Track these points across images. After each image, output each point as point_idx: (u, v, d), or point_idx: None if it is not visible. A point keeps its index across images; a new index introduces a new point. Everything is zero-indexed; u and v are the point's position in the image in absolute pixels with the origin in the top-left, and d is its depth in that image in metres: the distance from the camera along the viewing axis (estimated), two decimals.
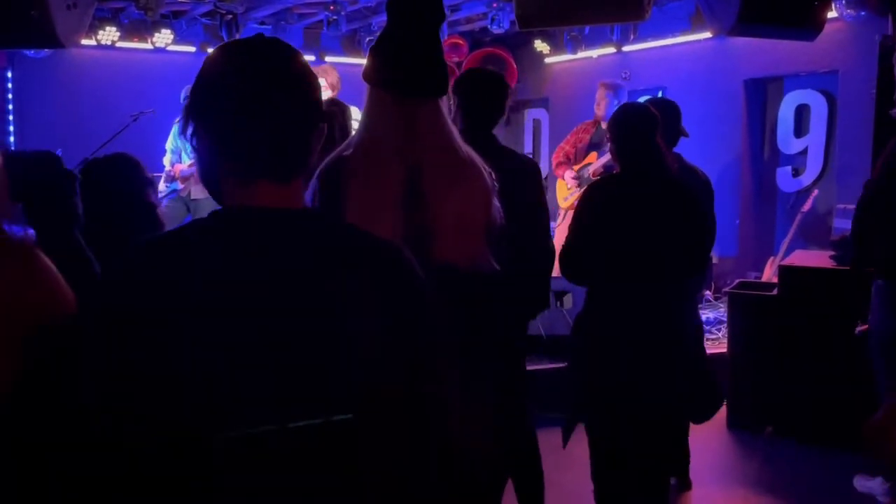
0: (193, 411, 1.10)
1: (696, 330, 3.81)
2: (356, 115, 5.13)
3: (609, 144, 3.33)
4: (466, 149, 2.28)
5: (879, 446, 2.22)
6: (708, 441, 4.75)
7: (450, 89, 3.22)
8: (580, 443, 3.32)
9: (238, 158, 1.24)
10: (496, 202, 2.29)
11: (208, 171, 1.28)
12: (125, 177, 2.79)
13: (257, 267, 1.17)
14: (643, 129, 3.16)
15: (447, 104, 2.32)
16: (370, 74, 2.24)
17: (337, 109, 3.55)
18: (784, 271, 4.95)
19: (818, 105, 6.99)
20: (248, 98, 1.21)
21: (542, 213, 3.16)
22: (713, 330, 6.12)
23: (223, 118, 1.23)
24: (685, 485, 4.18)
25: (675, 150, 4.05)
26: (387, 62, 2.22)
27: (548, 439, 3.36)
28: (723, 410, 5.14)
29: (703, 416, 3.55)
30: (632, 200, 3.13)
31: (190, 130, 1.27)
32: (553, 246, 3.20)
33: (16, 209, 1.76)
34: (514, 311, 3.12)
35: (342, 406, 1.16)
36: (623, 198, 3.16)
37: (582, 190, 5.89)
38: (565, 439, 3.25)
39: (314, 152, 1.29)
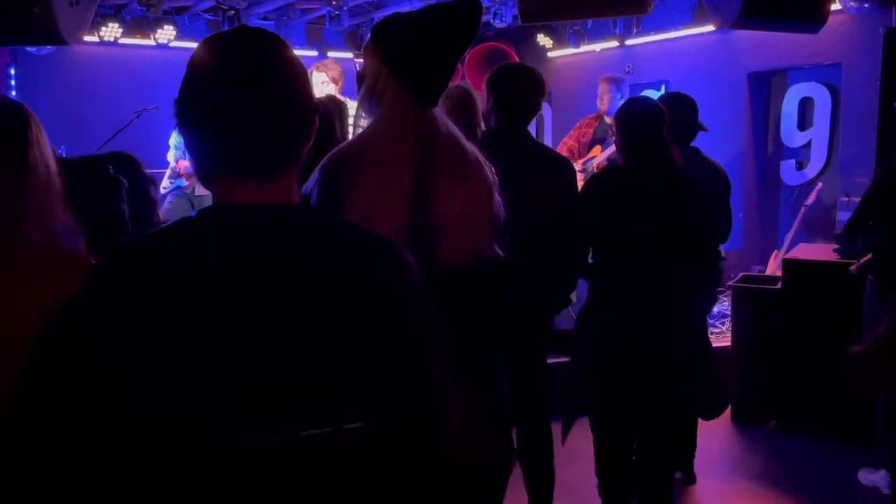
0: (190, 416, 1.10)
1: (702, 325, 3.79)
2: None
3: (614, 137, 3.32)
4: (470, 146, 2.29)
5: (870, 376, 2.13)
6: (712, 435, 4.75)
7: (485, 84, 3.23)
8: (586, 437, 3.32)
9: (217, 156, 1.22)
10: (497, 197, 2.29)
11: (198, 168, 1.26)
12: (93, 178, 2.78)
13: (242, 264, 1.15)
14: (649, 123, 3.15)
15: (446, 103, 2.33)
16: (397, 66, 2.21)
17: (333, 106, 3.54)
18: (788, 265, 4.95)
19: (822, 98, 6.97)
20: (222, 94, 1.18)
21: (571, 210, 3.14)
22: (717, 324, 6.11)
23: (200, 115, 1.21)
24: (689, 478, 4.18)
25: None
26: (421, 70, 2.21)
27: (553, 434, 3.36)
28: None
29: (711, 413, 3.54)
30: (632, 190, 3.12)
31: (179, 126, 1.24)
32: (580, 243, 3.20)
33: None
34: (536, 307, 3.12)
35: (336, 407, 1.15)
36: (624, 188, 3.15)
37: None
38: (565, 435, 3.26)
39: (302, 146, 1.25)
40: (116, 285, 1.15)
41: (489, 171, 2.30)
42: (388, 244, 1.28)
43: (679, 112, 3.92)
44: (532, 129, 10.81)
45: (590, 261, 3.26)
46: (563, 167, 3.20)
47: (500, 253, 2.29)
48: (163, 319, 1.11)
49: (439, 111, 2.27)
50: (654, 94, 7.88)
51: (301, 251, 1.19)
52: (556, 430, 3.35)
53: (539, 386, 3.25)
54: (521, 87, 3.16)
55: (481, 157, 2.30)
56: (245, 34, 1.25)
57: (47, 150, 1.61)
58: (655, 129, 3.14)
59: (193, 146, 1.24)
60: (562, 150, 6.41)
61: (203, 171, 1.25)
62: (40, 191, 1.57)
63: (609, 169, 3.44)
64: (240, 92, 1.18)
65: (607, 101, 6.11)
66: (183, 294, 1.12)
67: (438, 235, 2.13)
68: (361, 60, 2.42)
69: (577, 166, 6.26)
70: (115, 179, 2.45)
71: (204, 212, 1.22)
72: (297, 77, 1.24)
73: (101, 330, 1.12)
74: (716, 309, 6.35)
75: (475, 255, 2.22)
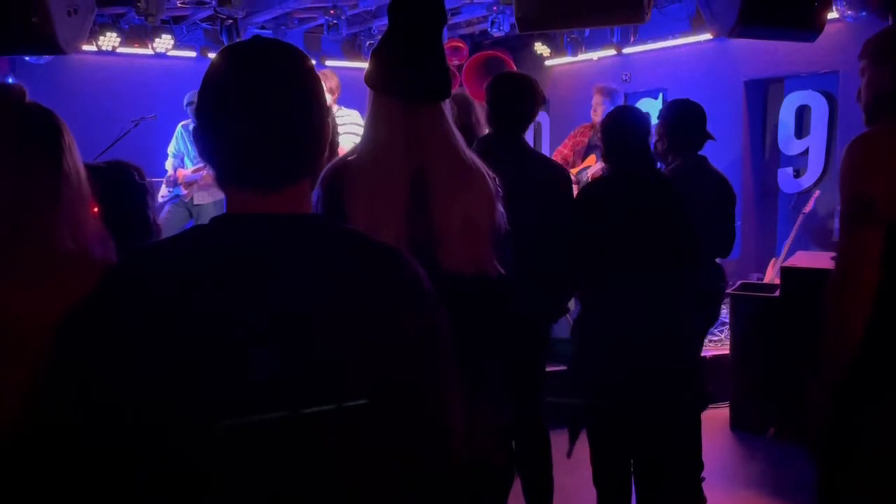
0: (199, 404, 1.12)
1: (695, 332, 3.77)
2: (356, 119, 5.14)
3: (599, 145, 3.34)
4: (470, 154, 2.27)
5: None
6: (711, 442, 4.73)
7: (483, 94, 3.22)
8: (586, 446, 3.31)
9: (226, 165, 1.23)
10: (500, 208, 2.27)
11: (215, 176, 1.27)
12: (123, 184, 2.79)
13: (254, 272, 1.17)
14: (634, 133, 3.17)
15: (450, 109, 2.29)
16: (372, 79, 2.22)
17: None
18: (786, 273, 4.95)
19: (819, 106, 6.99)
20: (230, 104, 1.20)
21: (566, 218, 3.13)
22: (715, 331, 6.11)
23: (212, 124, 1.22)
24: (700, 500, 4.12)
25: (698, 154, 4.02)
26: (389, 66, 2.19)
27: (552, 442, 3.35)
28: (725, 412, 5.16)
29: (689, 415, 3.53)
30: (619, 199, 3.13)
31: (196, 134, 1.27)
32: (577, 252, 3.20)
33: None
34: (532, 316, 3.11)
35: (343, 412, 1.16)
36: (610, 197, 3.16)
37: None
38: (571, 447, 3.24)
39: (316, 156, 1.27)
40: (126, 291, 1.17)
41: (492, 181, 2.27)
42: (394, 252, 1.29)
43: (685, 120, 3.91)
44: (529, 136, 10.81)
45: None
46: (558, 176, 3.20)
47: (501, 269, 2.26)
48: (168, 322, 1.13)
49: (439, 112, 2.23)
50: (651, 103, 7.94)
51: (308, 259, 1.20)
52: (557, 439, 3.34)
53: (536, 395, 3.24)
54: (516, 95, 3.16)
55: (483, 167, 2.27)
56: (259, 45, 1.25)
57: (78, 157, 1.62)
58: (640, 138, 3.16)
59: (208, 154, 1.26)
60: (556, 158, 6.42)
61: (218, 178, 1.26)
62: (73, 198, 1.57)
63: (596, 182, 3.45)
64: (246, 103, 1.19)
65: (601, 114, 6.12)
66: (185, 298, 1.14)
67: (439, 242, 2.12)
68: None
69: (572, 175, 6.27)
70: (140, 185, 2.47)
71: (215, 220, 1.24)
72: (309, 90, 1.24)
73: (110, 334, 1.14)
74: None
75: (476, 266, 2.20)
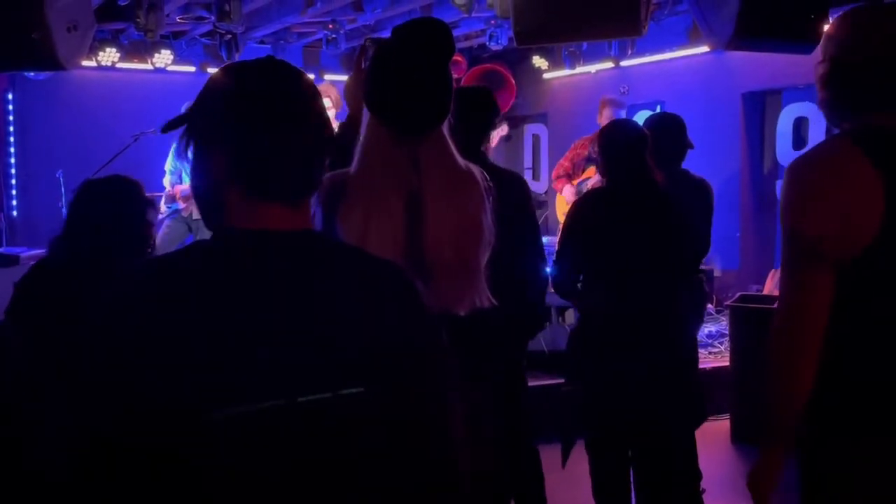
0: (197, 398, 1.12)
1: (691, 344, 3.78)
2: None
3: (597, 158, 3.33)
4: (466, 164, 2.24)
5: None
6: (712, 455, 4.72)
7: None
8: (583, 460, 3.31)
9: (251, 180, 1.23)
10: (490, 221, 2.23)
11: (210, 191, 1.27)
12: (124, 197, 2.79)
13: (263, 287, 1.18)
14: (630, 144, 3.18)
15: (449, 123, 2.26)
16: (375, 107, 2.16)
17: None
18: None
19: (817, 118, 7.00)
20: (263, 119, 1.21)
21: (532, 229, 3.11)
22: (715, 343, 6.11)
23: (236, 140, 1.22)
24: None
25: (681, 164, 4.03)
26: (395, 102, 2.13)
27: (550, 457, 3.35)
28: (726, 424, 5.15)
29: (687, 426, 3.53)
30: (617, 212, 3.14)
31: (190, 149, 1.27)
32: (546, 263, 3.18)
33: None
34: (513, 335, 3.09)
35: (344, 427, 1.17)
36: (608, 210, 3.17)
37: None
38: (565, 458, 3.24)
39: (323, 173, 1.29)
40: (128, 306, 1.17)
41: (486, 190, 2.24)
42: (393, 265, 1.31)
43: (666, 134, 3.92)
44: (529, 150, 10.74)
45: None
46: (516, 184, 3.15)
47: (494, 301, 2.21)
48: (174, 335, 1.13)
49: (436, 134, 2.21)
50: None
51: (312, 274, 1.21)
52: (555, 451, 3.34)
53: (522, 408, 3.22)
54: (469, 110, 3.14)
55: (476, 171, 2.23)
56: (270, 63, 1.27)
57: None
58: (637, 151, 3.17)
59: (211, 171, 1.25)
60: (558, 170, 6.46)
61: (216, 195, 1.26)
62: None
63: (591, 194, 3.45)
64: (274, 120, 1.21)
65: None
66: (191, 314, 1.14)
67: (434, 272, 2.07)
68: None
69: (572, 187, 6.29)
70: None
71: (224, 235, 1.26)
72: (320, 104, 1.28)
73: (112, 347, 1.14)
74: (714, 328, 6.36)
75: (470, 305, 2.15)
